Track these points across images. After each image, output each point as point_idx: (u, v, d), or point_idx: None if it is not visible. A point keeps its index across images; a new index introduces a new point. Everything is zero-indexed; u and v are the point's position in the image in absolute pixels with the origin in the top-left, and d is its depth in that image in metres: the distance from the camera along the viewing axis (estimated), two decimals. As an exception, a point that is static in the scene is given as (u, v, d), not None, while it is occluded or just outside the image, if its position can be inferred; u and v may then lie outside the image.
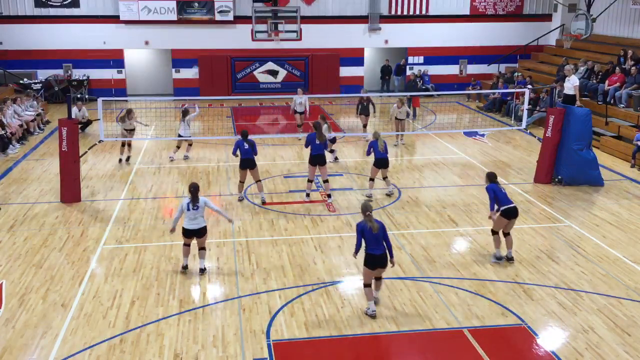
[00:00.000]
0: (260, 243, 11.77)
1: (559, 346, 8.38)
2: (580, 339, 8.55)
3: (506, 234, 10.84)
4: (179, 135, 17.12)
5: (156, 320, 8.99)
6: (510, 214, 10.62)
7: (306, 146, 13.93)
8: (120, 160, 17.36)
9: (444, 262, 10.94)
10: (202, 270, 10.38)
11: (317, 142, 13.72)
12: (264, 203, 13.82)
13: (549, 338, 8.59)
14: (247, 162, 13.64)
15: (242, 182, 13.98)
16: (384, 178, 14.29)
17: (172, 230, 10.33)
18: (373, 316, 8.99)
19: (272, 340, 8.47)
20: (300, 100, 19.51)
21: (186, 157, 17.53)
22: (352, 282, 10.20)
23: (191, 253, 10.60)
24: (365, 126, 19.93)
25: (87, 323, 8.91)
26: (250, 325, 8.85)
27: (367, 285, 9.07)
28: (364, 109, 19.58)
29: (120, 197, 14.43)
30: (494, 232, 10.91)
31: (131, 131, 17.25)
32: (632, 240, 12.00)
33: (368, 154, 14.12)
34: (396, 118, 19.13)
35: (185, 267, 10.47)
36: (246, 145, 13.53)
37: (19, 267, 10.71)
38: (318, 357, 8.30)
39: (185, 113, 16.92)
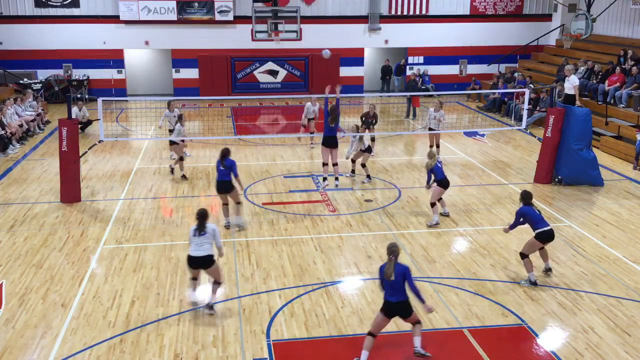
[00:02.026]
0: (260, 243, 11.77)
1: (559, 346, 8.39)
2: (580, 339, 8.55)
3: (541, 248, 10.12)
4: (172, 142, 16.03)
5: (156, 320, 8.99)
6: (546, 237, 9.81)
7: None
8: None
9: (444, 262, 10.94)
10: (211, 307, 9.12)
11: (331, 125, 13.98)
12: (227, 227, 12.30)
13: (549, 338, 8.59)
14: (222, 185, 12.00)
15: (225, 204, 12.32)
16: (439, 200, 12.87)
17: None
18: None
19: (272, 340, 8.47)
20: (314, 108, 18.82)
21: (187, 155, 17.36)
22: (352, 282, 10.20)
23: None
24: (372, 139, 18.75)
25: (87, 323, 8.91)
26: (250, 325, 8.85)
27: (370, 334, 7.82)
28: (368, 123, 18.09)
29: (120, 197, 14.43)
30: (524, 256, 10.01)
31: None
32: (632, 240, 12.00)
33: (429, 182, 12.40)
34: (430, 129, 17.34)
35: (194, 304, 9.33)
36: (221, 167, 11.87)
37: (19, 267, 10.71)
38: (318, 357, 8.30)
39: (180, 118, 15.86)
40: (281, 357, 8.14)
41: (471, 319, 9.04)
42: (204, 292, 9.49)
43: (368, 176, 15.37)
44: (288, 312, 9.21)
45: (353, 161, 15.62)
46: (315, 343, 8.49)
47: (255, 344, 8.40)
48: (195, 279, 9.29)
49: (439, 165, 12.48)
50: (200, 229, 8.92)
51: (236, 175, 11.86)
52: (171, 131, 16.81)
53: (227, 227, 12.33)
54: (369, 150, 15.27)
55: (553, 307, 9.38)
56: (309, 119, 19.01)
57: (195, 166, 16.98)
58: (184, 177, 15.62)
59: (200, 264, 8.98)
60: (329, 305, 9.41)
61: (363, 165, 15.31)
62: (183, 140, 15.75)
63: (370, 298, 9.62)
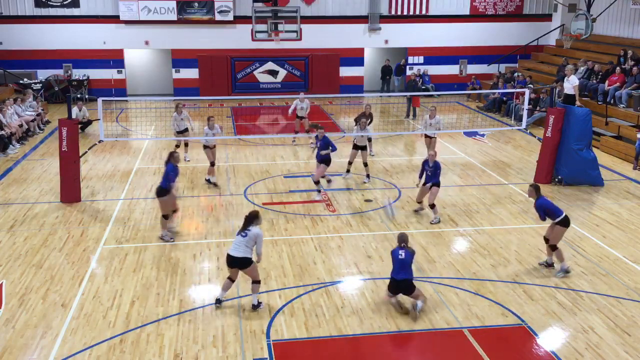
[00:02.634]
0: (260, 243, 11.75)
1: (559, 346, 8.38)
2: (580, 339, 8.55)
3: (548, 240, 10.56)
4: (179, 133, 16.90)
5: (156, 320, 8.99)
6: (569, 222, 10.33)
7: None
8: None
9: (444, 262, 10.94)
10: (255, 306, 9.21)
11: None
12: (161, 238, 11.77)
13: (549, 338, 8.59)
14: (157, 191, 11.59)
15: (164, 216, 11.72)
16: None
17: None
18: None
19: (272, 340, 8.46)
20: (302, 105, 18.86)
21: (187, 160, 17.38)
22: (352, 282, 10.20)
23: (237, 287, 9.73)
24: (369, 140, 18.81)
25: (87, 323, 8.91)
26: (250, 325, 8.85)
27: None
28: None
29: (120, 197, 14.42)
30: (555, 247, 10.38)
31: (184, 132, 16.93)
32: (632, 240, 12.00)
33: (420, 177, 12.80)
34: (426, 136, 16.84)
35: (218, 302, 9.30)
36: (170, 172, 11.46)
37: (19, 267, 10.71)
38: (318, 357, 8.30)
39: (208, 120, 15.49)
40: (281, 357, 8.14)
41: (471, 319, 9.04)
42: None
43: (368, 175, 15.38)
44: (288, 312, 9.21)
45: (350, 162, 15.69)
46: (315, 343, 8.48)
47: (255, 344, 8.40)
48: (231, 280, 9.26)
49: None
50: (243, 229, 9.02)
51: (170, 181, 11.45)
52: (179, 133, 16.86)
53: (161, 238, 11.77)
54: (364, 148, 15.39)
55: (553, 307, 9.38)
56: (301, 118, 19.05)
57: (195, 166, 16.97)
58: (211, 183, 15.26)
59: (235, 263, 9.03)
60: (329, 305, 9.41)
61: (365, 164, 15.44)
62: (215, 146, 15.35)
63: (370, 298, 9.62)
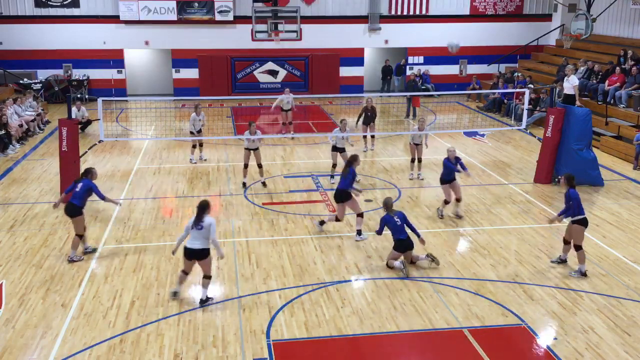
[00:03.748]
0: (260, 243, 11.77)
1: (559, 346, 8.38)
2: (580, 339, 8.55)
3: (568, 242, 10.63)
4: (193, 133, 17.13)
5: (156, 320, 8.99)
6: (587, 222, 10.44)
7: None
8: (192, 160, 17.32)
9: (444, 262, 10.93)
10: (203, 301, 9.33)
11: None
12: (70, 260, 10.92)
13: (549, 338, 8.59)
14: (67, 208, 10.77)
15: (78, 235, 10.88)
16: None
17: (174, 252, 9.53)
18: (408, 274, 10.24)
19: (272, 340, 8.47)
20: (288, 99, 19.70)
21: (193, 162, 17.37)
22: (352, 282, 10.20)
23: (191, 283, 9.84)
24: (372, 137, 18.75)
25: (87, 323, 8.91)
26: (250, 325, 8.85)
27: (389, 267, 10.53)
28: (367, 119, 18.07)
29: (120, 197, 14.42)
30: (579, 247, 10.36)
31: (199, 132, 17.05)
32: (632, 240, 12.00)
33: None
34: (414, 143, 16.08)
35: (174, 294, 9.54)
36: (78, 187, 10.73)
37: (19, 267, 10.71)
38: (318, 357, 8.30)
39: (249, 125, 15.09)
40: (281, 357, 8.14)
41: (471, 319, 9.04)
42: (191, 288, 9.49)
43: (332, 176, 15.33)
44: (288, 312, 9.21)
45: (334, 166, 15.29)
46: (315, 343, 8.49)
47: (255, 344, 8.40)
48: (185, 273, 9.46)
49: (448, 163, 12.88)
50: (197, 221, 9.11)
51: (80, 196, 10.75)
52: (198, 132, 16.99)
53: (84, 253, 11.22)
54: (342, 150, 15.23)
55: (553, 307, 9.38)
56: (286, 110, 19.73)
57: (196, 166, 16.98)
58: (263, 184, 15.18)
59: (193, 255, 9.17)
60: (329, 305, 9.41)
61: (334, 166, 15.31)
62: (257, 148, 15.01)
63: (370, 298, 9.62)
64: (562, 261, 10.76)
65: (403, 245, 10.45)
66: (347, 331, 8.72)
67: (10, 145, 18.41)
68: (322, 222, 12.30)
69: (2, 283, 10.16)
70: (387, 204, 10.64)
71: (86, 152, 15.36)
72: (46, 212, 13.42)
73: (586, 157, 15.03)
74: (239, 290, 9.85)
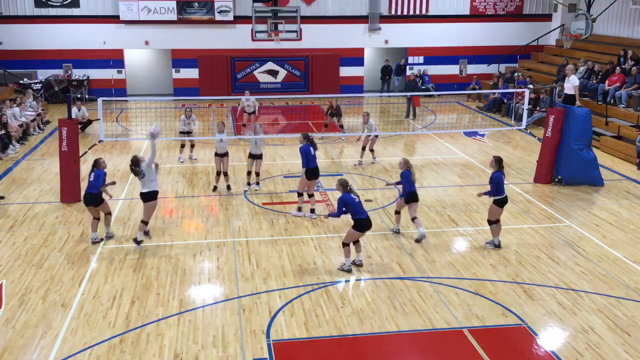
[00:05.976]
0: (260, 243, 11.77)
1: (559, 346, 8.38)
2: (580, 339, 8.55)
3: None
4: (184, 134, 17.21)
5: (156, 320, 8.99)
6: (504, 203, 11.30)
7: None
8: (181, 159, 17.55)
9: (444, 262, 10.93)
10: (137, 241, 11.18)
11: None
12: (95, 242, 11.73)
13: (549, 338, 8.59)
14: (89, 199, 11.60)
15: (96, 218, 11.80)
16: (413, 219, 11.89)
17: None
18: (349, 270, 10.34)
19: (272, 340, 8.46)
20: (249, 103, 20.16)
21: (181, 161, 17.46)
22: (352, 282, 10.20)
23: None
24: (342, 127, 19.79)
25: (87, 323, 8.91)
26: (250, 325, 8.85)
27: (346, 244, 10.40)
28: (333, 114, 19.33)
29: (120, 197, 14.42)
30: (492, 222, 11.33)
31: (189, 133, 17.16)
32: (632, 240, 12.00)
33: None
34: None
35: (137, 241, 11.42)
36: (91, 177, 11.56)
37: (19, 267, 10.71)
38: (318, 357, 8.30)
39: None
40: (281, 357, 8.14)
41: (471, 319, 9.04)
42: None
43: (257, 183, 14.88)
44: (288, 312, 9.21)
45: (249, 173, 14.74)
46: (315, 343, 8.48)
47: (255, 344, 8.39)
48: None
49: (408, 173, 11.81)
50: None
51: (99, 185, 11.45)
52: (182, 133, 17.08)
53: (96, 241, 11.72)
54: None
55: (553, 307, 9.38)
56: (249, 113, 20.27)
57: (195, 166, 16.98)
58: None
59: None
60: (329, 305, 9.41)
61: (257, 174, 14.72)
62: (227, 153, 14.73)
63: (370, 298, 9.62)
64: (496, 246, 11.44)
65: (363, 224, 10.26)
66: (347, 331, 8.72)
67: (10, 145, 18.40)
68: (312, 210, 13.02)
69: (2, 283, 10.15)
70: (344, 184, 10.35)
71: (86, 152, 15.35)
72: (46, 212, 13.42)
73: (586, 157, 15.02)
74: (239, 290, 9.85)
